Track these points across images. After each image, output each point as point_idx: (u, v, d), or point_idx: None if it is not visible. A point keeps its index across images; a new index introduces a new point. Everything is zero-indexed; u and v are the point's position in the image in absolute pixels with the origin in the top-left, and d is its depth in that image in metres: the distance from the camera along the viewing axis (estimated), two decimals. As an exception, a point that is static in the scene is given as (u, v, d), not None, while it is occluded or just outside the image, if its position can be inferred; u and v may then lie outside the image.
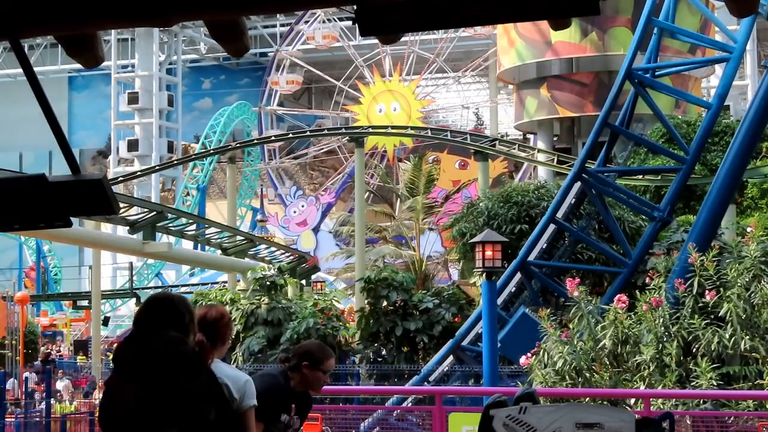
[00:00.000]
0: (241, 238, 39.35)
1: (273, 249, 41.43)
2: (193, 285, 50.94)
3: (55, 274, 64.53)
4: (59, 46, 4.10)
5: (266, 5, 3.92)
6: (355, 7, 3.46)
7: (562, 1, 3.32)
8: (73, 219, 3.88)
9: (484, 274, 17.09)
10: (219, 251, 38.72)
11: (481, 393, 16.12)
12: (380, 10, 3.44)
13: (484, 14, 3.39)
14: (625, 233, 22.53)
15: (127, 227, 32.92)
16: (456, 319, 24.39)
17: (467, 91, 73.62)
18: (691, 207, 30.67)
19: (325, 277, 48.26)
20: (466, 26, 3.40)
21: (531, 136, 60.85)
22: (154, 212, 32.94)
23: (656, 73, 20.90)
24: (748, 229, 16.04)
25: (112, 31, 62.96)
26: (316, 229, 64.44)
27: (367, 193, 55.25)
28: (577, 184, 20.84)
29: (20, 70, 3.98)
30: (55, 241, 47.74)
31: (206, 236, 38.04)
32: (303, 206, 65.38)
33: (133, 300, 51.46)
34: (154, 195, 65.60)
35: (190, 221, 37.43)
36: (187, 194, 66.62)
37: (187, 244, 43.57)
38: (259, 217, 61.10)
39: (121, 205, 30.93)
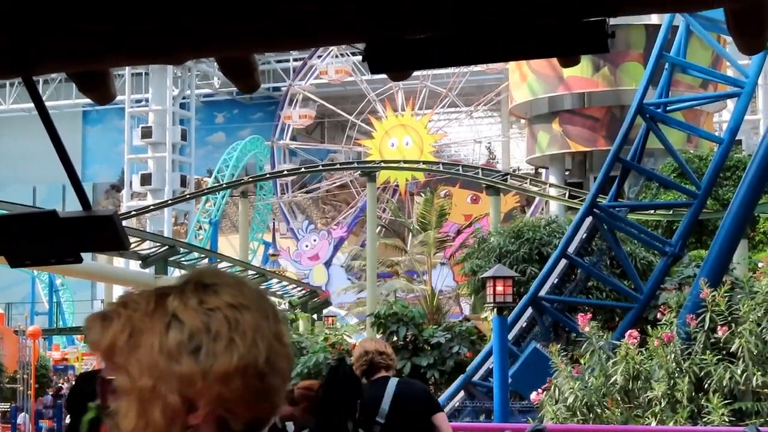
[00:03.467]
0: (253, 272, 39.41)
1: (285, 283, 41.47)
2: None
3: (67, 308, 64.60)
4: (72, 82, 4.14)
5: (277, 43, 3.95)
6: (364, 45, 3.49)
7: (571, 38, 3.34)
8: (85, 254, 3.89)
9: (495, 309, 17.06)
10: (231, 285, 38.68)
11: (492, 429, 16.05)
12: (390, 47, 3.47)
13: (493, 52, 3.41)
14: (637, 268, 22.48)
15: (140, 261, 32.99)
16: (468, 354, 24.29)
17: (479, 125, 73.74)
18: (703, 242, 30.60)
19: (337, 312, 48.21)
20: (475, 63, 3.43)
21: (543, 171, 60.85)
22: (166, 246, 33.04)
23: (668, 108, 20.92)
24: (760, 264, 15.98)
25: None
26: (328, 264, 64.37)
27: (379, 227, 55.30)
28: (589, 219, 20.83)
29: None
30: (68, 275, 47.81)
31: (218, 270, 38.06)
32: (315, 240, 65.32)
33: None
34: (167, 229, 65.73)
35: (203, 255, 37.50)
36: (200, 228, 66.73)
37: (199, 278, 43.53)
38: (271, 251, 61.11)
39: (134, 239, 31.00)
